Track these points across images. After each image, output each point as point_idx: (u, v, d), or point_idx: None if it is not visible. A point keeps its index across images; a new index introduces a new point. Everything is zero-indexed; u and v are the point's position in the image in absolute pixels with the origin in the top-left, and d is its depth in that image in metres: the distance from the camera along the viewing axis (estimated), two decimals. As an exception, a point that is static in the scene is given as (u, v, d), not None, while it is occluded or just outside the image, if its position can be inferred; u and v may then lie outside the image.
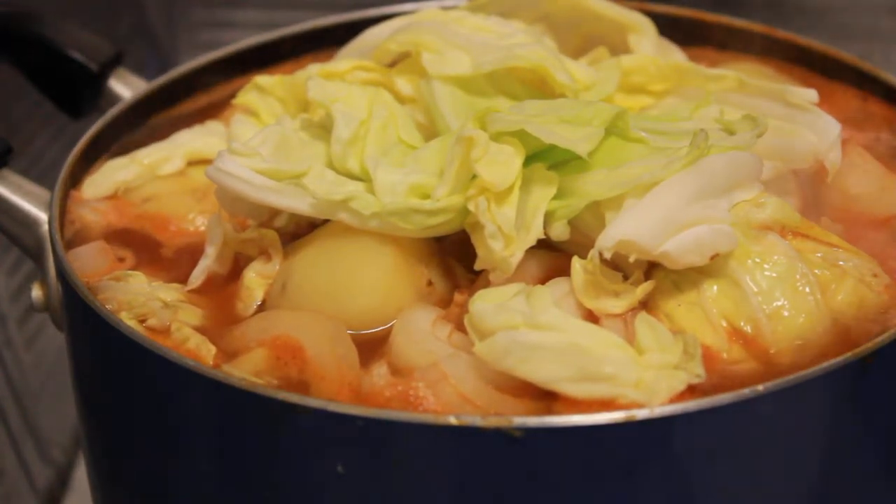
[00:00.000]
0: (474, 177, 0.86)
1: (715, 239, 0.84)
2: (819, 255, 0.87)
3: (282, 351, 0.86)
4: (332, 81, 0.98)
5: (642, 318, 0.83)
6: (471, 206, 0.86)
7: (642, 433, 0.77)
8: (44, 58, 1.17)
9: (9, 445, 1.29)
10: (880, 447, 0.86)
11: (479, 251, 0.87)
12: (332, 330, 0.87)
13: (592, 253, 0.84)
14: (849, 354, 0.80)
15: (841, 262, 0.87)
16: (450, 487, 0.80)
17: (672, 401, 0.79)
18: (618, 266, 0.87)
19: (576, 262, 0.85)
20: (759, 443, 0.80)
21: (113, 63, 1.17)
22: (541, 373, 0.80)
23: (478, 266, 0.87)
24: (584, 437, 0.77)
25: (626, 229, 0.83)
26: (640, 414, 0.77)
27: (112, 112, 1.09)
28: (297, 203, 0.90)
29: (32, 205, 1.02)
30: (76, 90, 1.17)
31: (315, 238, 0.92)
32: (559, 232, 0.88)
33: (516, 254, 0.85)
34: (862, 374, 0.81)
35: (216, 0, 1.68)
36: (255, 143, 0.92)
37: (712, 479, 0.81)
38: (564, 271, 0.86)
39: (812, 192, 0.97)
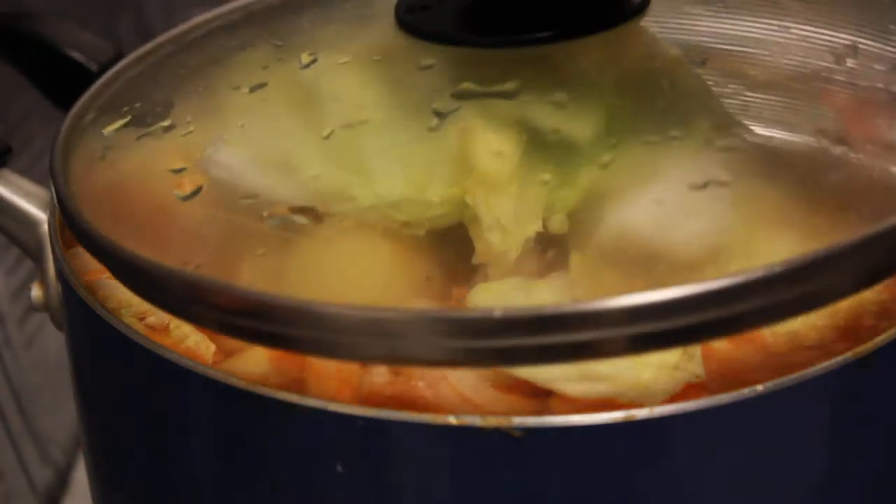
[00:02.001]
0: (472, 169, 0.86)
1: (715, 233, 0.84)
2: (819, 253, 0.87)
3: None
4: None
5: (642, 317, 0.83)
6: (468, 199, 0.85)
7: (642, 433, 0.77)
8: (43, 58, 1.16)
9: (9, 445, 1.29)
10: (881, 447, 0.86)
11: (477, 244, 0.87)
12: (331, 328, 0.86)
13: (591, 247, 0.84)
14: (849, 354, 0.80)
15: (841, 261, 0.87)
16: (449, 487, 0.79)
17: (672, 400, 0.79)
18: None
19: (574, 257, 0.85)
20: (759, 443, 0.80)
21: (113, 63, 1.17)
22: (540, 371, 0.80)
23: (476, 260, 0.87)
24: (584, 437, 0.77)
25: (625, 222, 0.83)
26: (640, 414, 0.76)
27: (112, 112, 1.09)
28: (293, 196, 0.90)
29: (32, 205, 1.02)
30: (76, 90, 1.17)
31: (311, 232, 0.92)
32: (558, 225, 0.87)
33: (514, 247, 0.85)
34: (862, 373, 0.81)
35: (216, 0, 1.68)
36: (250, 136, 0.92)
37: (712, 479, 0.81)
38: (563, 265, 0.86)
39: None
